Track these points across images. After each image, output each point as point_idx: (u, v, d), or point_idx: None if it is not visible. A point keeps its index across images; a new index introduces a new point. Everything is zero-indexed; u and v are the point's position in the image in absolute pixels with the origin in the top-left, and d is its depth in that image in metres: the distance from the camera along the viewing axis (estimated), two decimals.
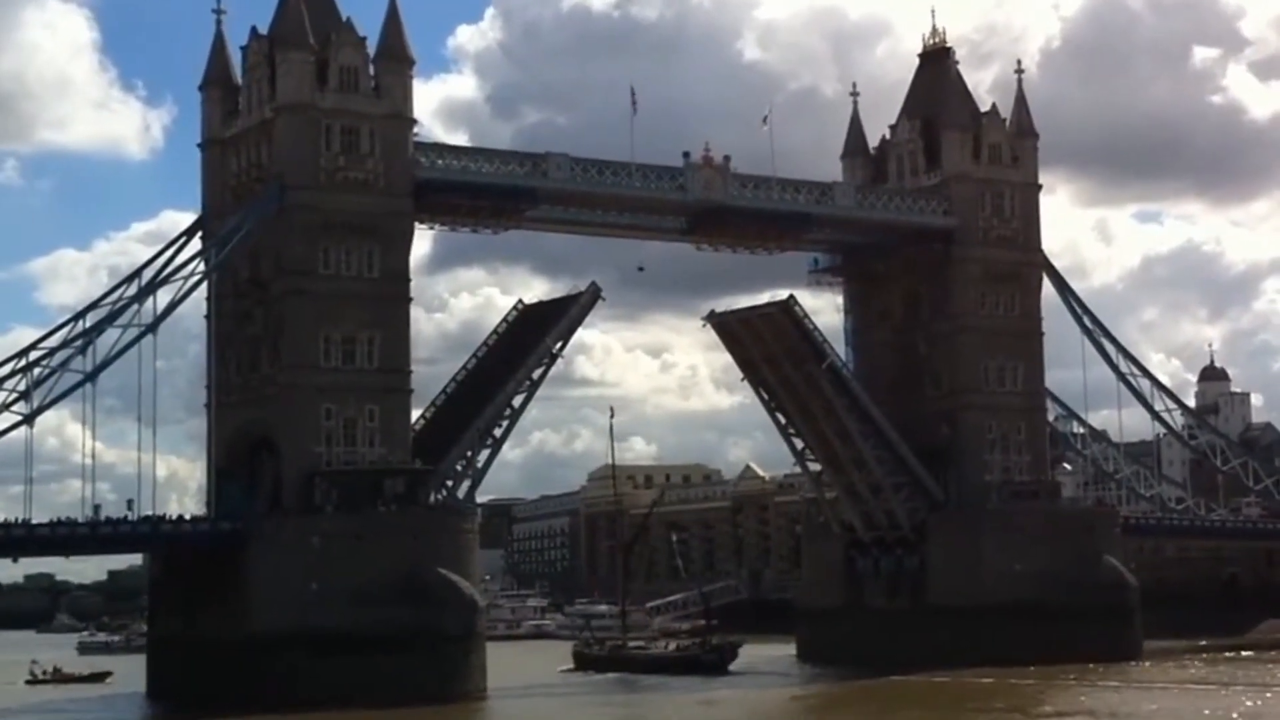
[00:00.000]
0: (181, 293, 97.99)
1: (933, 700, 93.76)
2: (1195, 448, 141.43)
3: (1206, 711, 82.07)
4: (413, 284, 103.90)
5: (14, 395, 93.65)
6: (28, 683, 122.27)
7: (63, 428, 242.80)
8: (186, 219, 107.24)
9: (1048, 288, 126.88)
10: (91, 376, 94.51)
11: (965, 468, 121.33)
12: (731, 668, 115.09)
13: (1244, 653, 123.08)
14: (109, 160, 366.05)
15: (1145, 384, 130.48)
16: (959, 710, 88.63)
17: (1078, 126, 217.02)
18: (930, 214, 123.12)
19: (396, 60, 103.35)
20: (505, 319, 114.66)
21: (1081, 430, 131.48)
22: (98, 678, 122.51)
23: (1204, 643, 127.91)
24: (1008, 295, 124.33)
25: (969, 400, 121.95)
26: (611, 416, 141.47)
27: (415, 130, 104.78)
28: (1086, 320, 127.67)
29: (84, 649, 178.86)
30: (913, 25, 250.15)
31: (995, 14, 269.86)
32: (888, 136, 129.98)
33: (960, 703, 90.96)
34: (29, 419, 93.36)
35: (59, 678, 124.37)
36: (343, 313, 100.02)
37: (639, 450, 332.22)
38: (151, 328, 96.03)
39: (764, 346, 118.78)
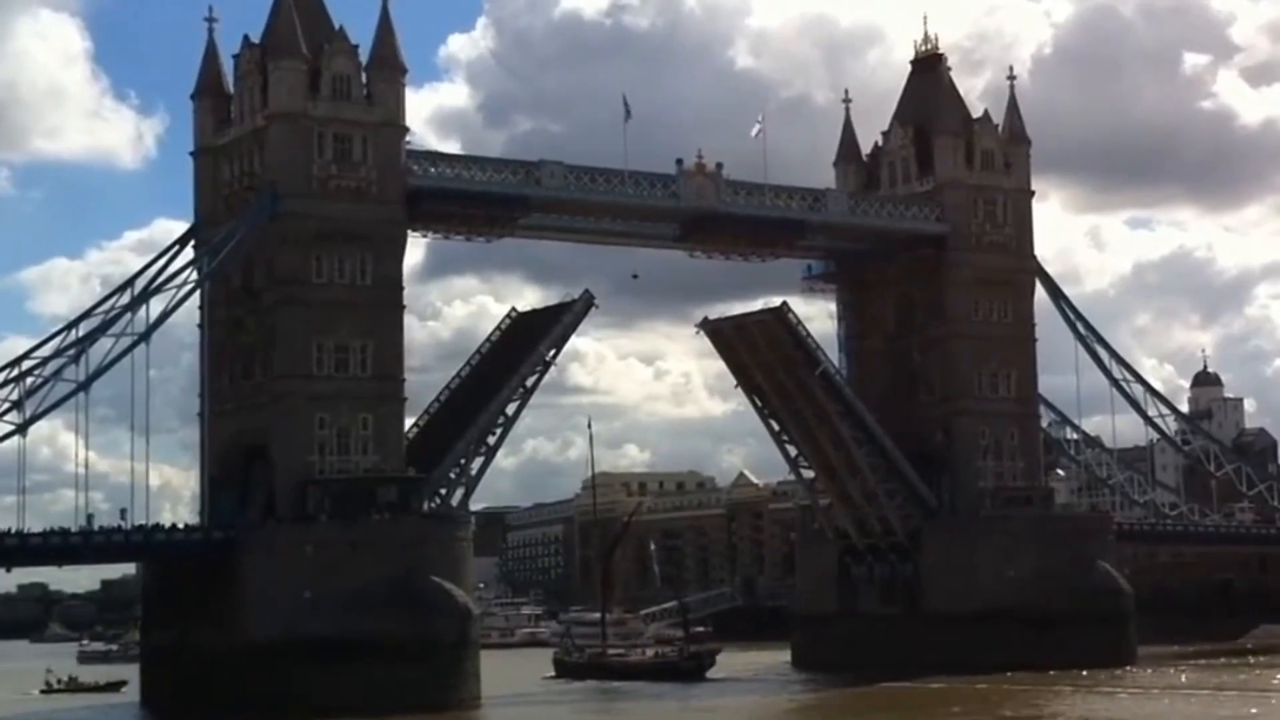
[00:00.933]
0: (174, 302, 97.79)
1: (926, 705, 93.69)
2: (1188, 453, 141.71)
3: (1201, 717, 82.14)
4: (406, 292, 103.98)
5: (7, 405, 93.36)
6: (43, 692, 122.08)
7: (55, 437, 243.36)
8: (179, 228, 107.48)
9: (1040, 294, 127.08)
10: (84, 386, 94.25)
11: (959, 474, 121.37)
12: (710, 674, 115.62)
13: (1238, 658, 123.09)
14: (101, 169, 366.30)
15: (1138, 390, 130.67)
16: (949, 716, 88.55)
17: (1070, 133, 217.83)
18: (923, 220, 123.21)
19: (389, 68, 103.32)
20: (498, 327, 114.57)
21: (1075, 436, 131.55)
22: (113, 687, 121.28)
23: (1198, 648, 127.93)
24: (1001, 301, 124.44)
25: (962, 406, 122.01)
26: (590, 426, 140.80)
27: (408, 139, 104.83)
28: (1079, 326, 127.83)
29: (84, 658, 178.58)
30: (904, 32, 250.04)
31: (987, 21, 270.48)
32: (880, 143, 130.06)
33: (950, 708, 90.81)
34: (22, 429, 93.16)
35: (74, 687, 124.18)
36: (336, 321, 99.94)
37: (633, 457, 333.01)
38: (144, 337, 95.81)
39: (757, 353, 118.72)
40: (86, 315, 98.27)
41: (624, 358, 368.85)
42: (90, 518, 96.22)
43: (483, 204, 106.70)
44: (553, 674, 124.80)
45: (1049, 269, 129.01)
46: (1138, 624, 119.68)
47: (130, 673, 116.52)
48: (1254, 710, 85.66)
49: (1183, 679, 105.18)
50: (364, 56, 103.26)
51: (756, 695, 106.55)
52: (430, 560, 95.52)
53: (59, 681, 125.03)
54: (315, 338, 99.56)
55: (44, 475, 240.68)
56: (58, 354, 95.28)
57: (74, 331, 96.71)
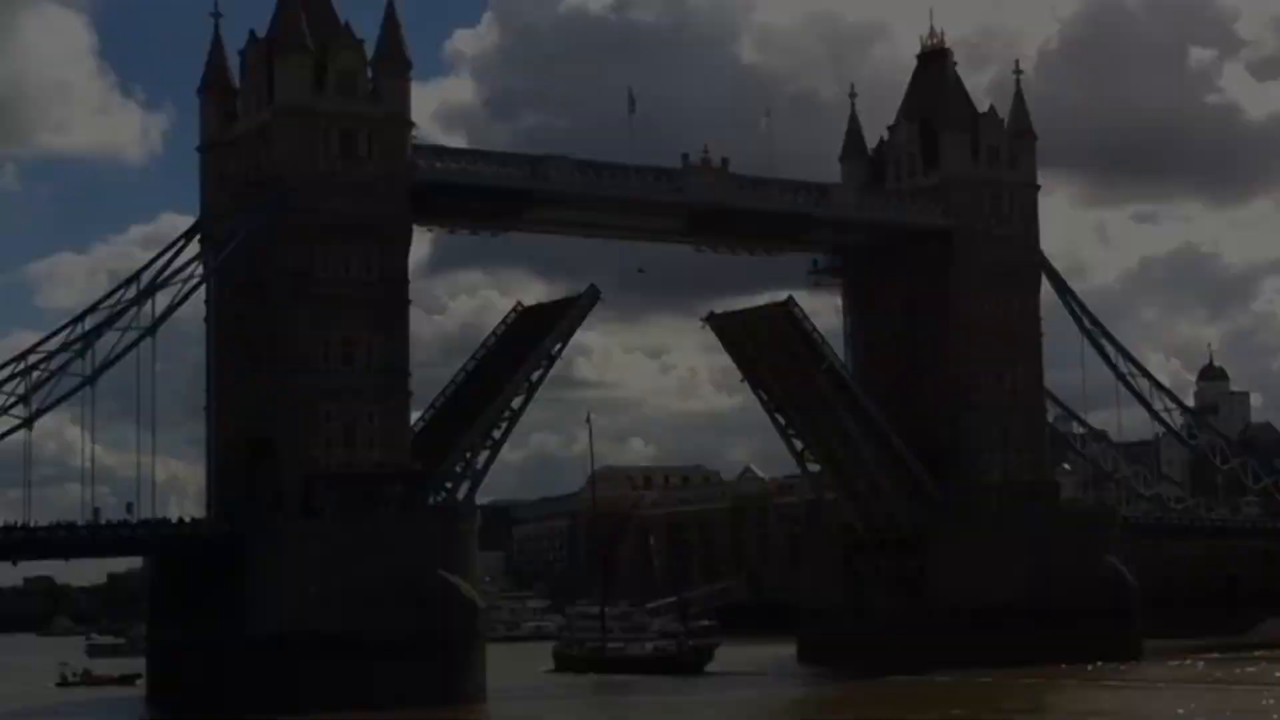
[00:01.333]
0: (180, 296, 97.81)
1: (932, 700, 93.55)
2: (1195, 447, 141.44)
3: (1207, 711, 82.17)
4: (411, 286, 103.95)
5: (13, 399, 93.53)
6: (58, 685, 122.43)
7: (62, 431, 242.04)
8: (185, 222, 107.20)
9: (1046, 288, 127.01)
10: (91, 380, 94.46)
11: (965, 468, 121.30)
12: (709, 668, 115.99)
13: (1244, 652, 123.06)
14: (108, 164, 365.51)
15: (1144, 384, 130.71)
16: (954, 711, 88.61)
17: (1075, 127, 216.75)
18: (929, 215, 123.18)
19: (394, 63, 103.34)
20: (504, 321, 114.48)
21: (1081, 430, 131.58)
22: (128, 680, 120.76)
23: (1204, 642, 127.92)
24: (1007, 296, 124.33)
25: (968, 401, 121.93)
26: (589, 420, 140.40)
27: (413, 133, 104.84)
28: (1085, 321, 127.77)
29: (93, 651, 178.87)
30: (910, 27, 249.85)
31: (992, 16, 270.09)
32: (886, 138, 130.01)
33: (956, 702, 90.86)
34: (28, 422, 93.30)
35: (89, 680, 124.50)
36: (342, 315, 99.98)
37: (639, 451, 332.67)
38: (150, 331, 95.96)
39: (763, 348, 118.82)
40: (93, 309, 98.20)
41: (630, 352, 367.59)
42: (97, 511, 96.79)
43: (488, 198, 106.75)
44: (552, 667, 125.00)
45: (1055, 263, 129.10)
46: (1143, 618, 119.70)
47: (141, 666, 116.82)
48: (1260, 704, 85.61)
49: (1189, 673, 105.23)
50: (370, 51, 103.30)
51: (758, 689, 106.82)
52: (436, 554, 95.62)
53: (74, 675, 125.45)
54: (321, 332, 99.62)
55: (50, 469, 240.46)
56: (64, 348, 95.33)
57: (80, 325, 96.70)
